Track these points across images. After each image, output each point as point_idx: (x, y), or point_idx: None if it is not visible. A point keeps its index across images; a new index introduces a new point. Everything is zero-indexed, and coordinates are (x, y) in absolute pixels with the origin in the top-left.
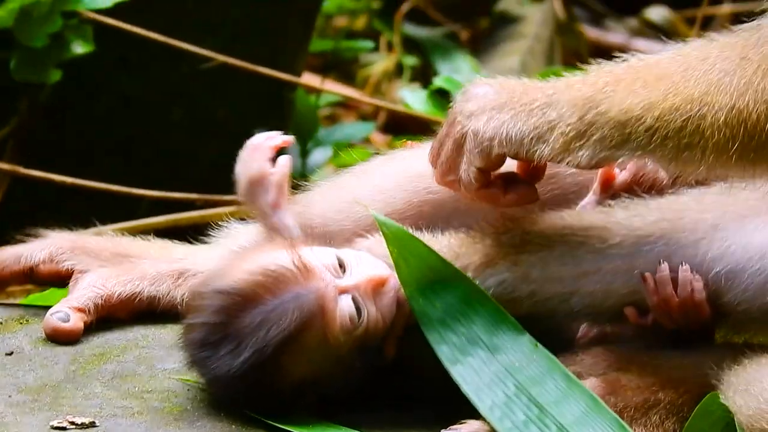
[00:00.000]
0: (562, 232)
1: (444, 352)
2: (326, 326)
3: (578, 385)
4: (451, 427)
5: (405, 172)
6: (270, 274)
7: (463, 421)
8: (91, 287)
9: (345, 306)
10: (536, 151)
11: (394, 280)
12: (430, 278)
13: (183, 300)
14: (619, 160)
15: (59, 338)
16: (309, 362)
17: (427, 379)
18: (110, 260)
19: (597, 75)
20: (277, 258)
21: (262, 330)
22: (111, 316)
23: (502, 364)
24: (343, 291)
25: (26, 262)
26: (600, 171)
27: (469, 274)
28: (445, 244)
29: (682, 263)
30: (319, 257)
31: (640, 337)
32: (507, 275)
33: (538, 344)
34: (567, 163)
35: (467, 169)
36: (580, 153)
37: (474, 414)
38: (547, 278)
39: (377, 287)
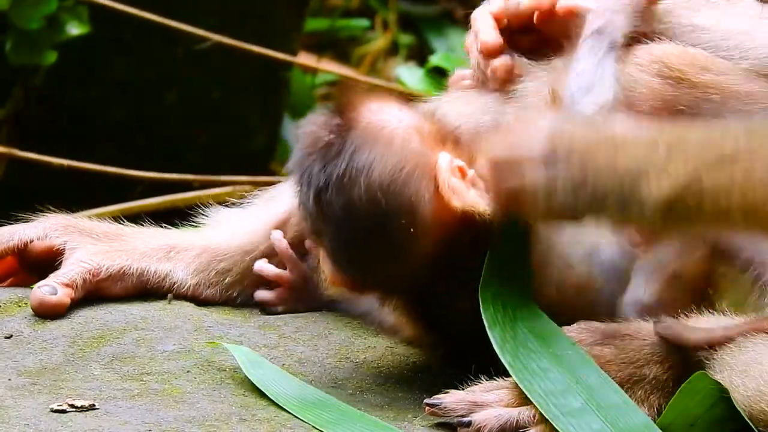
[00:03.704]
0: None
1: (489, 313)
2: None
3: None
4: (434, 396)
5: None
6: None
7: (446, 390)
8: (79, 262)
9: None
10: None
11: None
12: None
13: (172, 274)
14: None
15: (45, 312)
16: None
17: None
18: (102, 239)
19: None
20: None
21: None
22: (102, 292)
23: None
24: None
25: (20, 238)
26: None
27: None
28: None
29: None
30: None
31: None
32: None
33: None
34: None
35: None
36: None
37: (459, 385)
38: None
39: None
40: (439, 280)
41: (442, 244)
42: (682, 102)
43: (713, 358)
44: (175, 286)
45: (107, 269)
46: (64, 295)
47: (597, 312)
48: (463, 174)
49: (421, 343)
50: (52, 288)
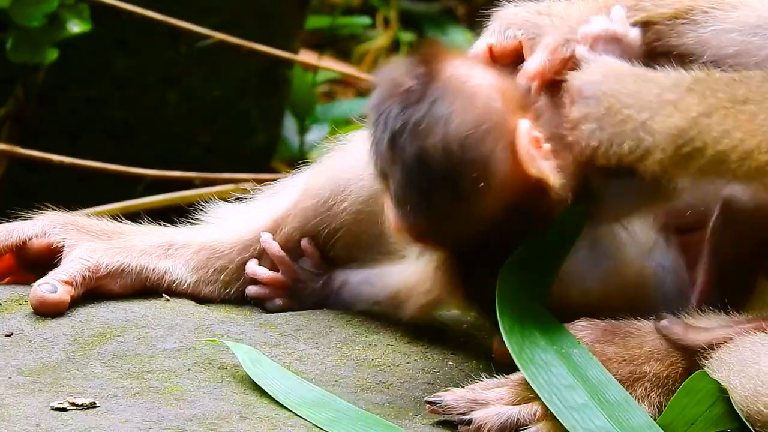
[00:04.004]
0: None
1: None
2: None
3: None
4: (435, 394)
5: None
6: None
7: (446, 388)
8: (79, 259)
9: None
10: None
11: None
12: None
13: (171, 271)
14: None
15: (45, 310)
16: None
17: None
18: (100, 236)
19: (687, 96)
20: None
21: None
22: (102, 289)
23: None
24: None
25: (19, 236)
26: None
27: None
28: None
29: None
30: None
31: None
32: None
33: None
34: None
35: None
36: (678, 176)
37: (460, 383)
38: None
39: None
40: (492, 246)
41: (506, 208)
42: None
43: (712, 357)
44: (174, 283)
45: (107, 266)
46: (64, 293)
47: (649, 308)
48: (539, 145)
49: (454, 305)
50: (52, 286)
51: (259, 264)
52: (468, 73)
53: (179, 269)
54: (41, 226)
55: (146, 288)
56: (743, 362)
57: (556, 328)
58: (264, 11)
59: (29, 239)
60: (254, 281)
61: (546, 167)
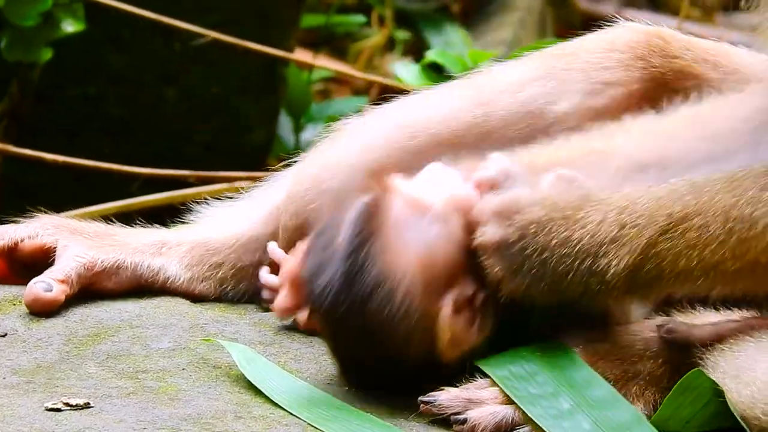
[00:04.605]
0: None
1: None
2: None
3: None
4: (429, 393)
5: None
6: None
7: (440, 388)
8: (74, 257)
9: None
10: None
11: None
12: None
13: (166, 268)
14: None
15: (40, 308)
16: None
17: None
18: (93, 237)
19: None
20: None
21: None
22: (96, 286)
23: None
24: None
25: (11, 238)
26: None
27: None
28: None
29: None
30: None
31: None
32: None
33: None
34: None
35: None
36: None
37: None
38: None
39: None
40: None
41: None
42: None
43: (707, 358)
44: (169, 280)
45: (102, 263)
46: (59, 292)
47: None
48: (467, 306)
49: None
50: (47, 284)
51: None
52: (404, 242)
53: (174, 266)
54: (33, 228)
55: (141, 285)
56: (739, 368)
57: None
58: (260, 9)
59: (21, 240)
60: (254, 277)
61: (462, 344)
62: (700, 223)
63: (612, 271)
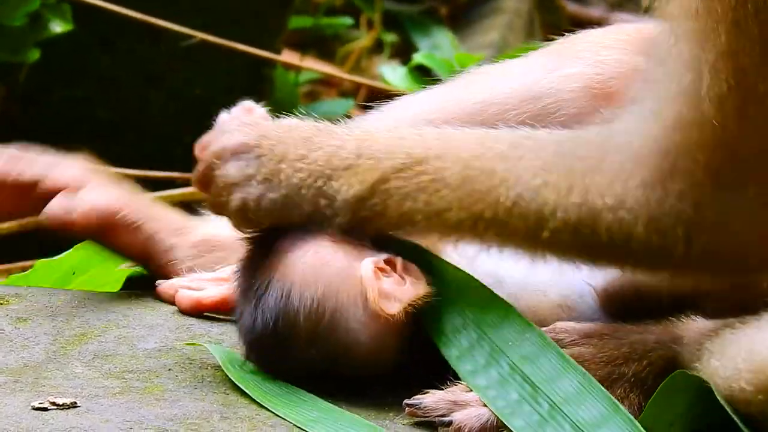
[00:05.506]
0: None
1: (435, 332)
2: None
3: (571, 363)
4: (414, 396)
5: None
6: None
7: (425, 391)
8: (105, 194)
9: None
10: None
11: None
12: None
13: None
14: None
15: (55, 224)
16: None
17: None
18: (129, 192)
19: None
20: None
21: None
22: (107, 235)
23: (495, 343)
24: None
25: (54, 179)
26: None
27: None
28: None
29: None
30: None
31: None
32: None
33: (531, 323)
34: None
35: None
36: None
37: (438, 385)
38: None
39: None
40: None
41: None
42: None
43: (694, 347)
44: (172, 263)
45: (124, 216)
46: (80, 216)
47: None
48: (390, 269)
49: None
50: (70, 207)
51: None
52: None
53: (181, 251)
54: (72, 166)
55: (149, 255)
56: (723, 344)
57: (513, 327)
58: (248, 11)
59: (53, 176)
60: None
61: (407, 293)
62: (437, 166)
63: (341, 197)
